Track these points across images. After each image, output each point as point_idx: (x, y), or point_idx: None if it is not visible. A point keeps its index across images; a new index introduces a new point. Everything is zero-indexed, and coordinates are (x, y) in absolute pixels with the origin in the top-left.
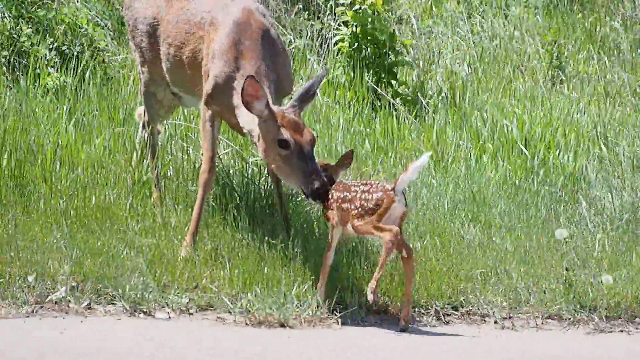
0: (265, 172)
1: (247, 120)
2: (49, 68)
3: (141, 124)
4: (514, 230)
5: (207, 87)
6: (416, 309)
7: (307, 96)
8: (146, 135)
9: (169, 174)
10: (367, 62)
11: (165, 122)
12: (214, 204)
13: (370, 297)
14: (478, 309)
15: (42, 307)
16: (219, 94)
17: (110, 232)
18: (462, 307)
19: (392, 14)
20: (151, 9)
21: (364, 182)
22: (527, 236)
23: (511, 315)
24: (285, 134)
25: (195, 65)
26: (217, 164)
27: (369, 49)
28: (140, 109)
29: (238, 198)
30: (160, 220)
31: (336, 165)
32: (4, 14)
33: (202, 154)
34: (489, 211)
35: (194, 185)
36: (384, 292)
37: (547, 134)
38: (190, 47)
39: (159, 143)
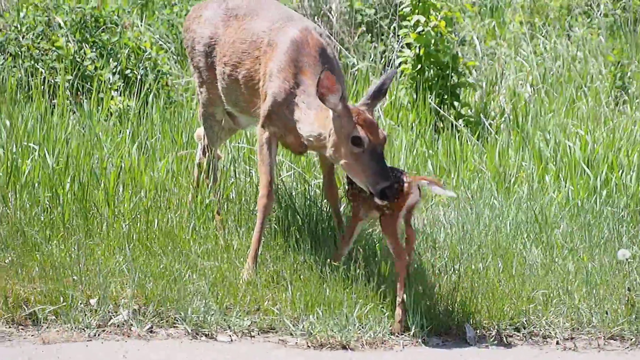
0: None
1: (313, 122)
2: (112, 92)
3: (200, 146)
4: (577, 251)
5: (264, 107)
6: (478, 330)
7: (379, 94)
8: (206, 160)
9: (231, 197)
10: (430, 83)
11: (225, 145)
12: (276, 226)
13: (396, 327)
14: (540, 330)
15: (104, 330)
16: (278, 112)
17: (173, 255)
18: (525, 328)
19: (455, 35)
20: (209, 28)
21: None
22: (589, 257)
23: (573, 336)
24: (361, 132)
25: (251, 85)
26: (279, 186)
27: (431, 70)
28: (200, 131)
29: (300, 220)
30: (223, 242)
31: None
32: (68, 38)
33: (260, 180)
34: (551, 232)
35: (256, 207)
36: (446, 313)
37: (610, 154)
38: (246, 66)
39: (220, 167)
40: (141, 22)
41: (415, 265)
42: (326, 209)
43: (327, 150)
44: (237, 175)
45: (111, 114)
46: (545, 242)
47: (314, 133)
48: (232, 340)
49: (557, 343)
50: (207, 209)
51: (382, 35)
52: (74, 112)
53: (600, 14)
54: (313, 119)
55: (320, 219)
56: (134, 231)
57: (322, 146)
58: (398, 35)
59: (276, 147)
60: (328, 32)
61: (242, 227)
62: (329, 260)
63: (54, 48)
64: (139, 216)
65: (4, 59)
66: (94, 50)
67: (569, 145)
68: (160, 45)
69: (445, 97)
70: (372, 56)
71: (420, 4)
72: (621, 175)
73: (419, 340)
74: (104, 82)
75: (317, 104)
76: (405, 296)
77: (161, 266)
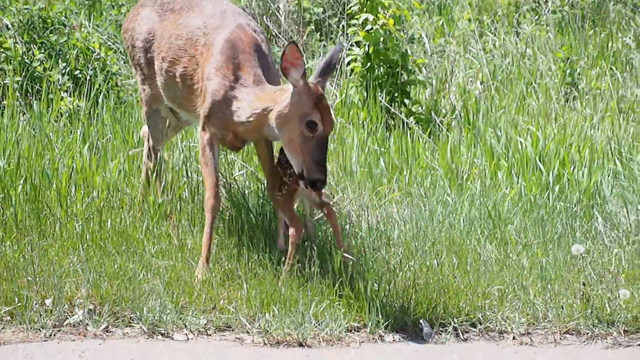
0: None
1: (254, 101)
2: (62, 92)
3: (146, 144)
4: (531, 247)
5: (204, 107)
6: (434, 326)
7: (329, 69)
8: (152, 162)
9: (184, 196)
10: (380, 81)
11: (177, 144)
12: (230, 225)
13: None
14: (496, 326)
15: (60, 330)
16: (218, 111)
17: (127, 255)
18: (480, 324)
19: (403, 33)
20: (146, 24)
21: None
22: (543, 252)
23: (529, 331)
24: (317, 117)
25: (190, 84)
26: (232, 185)
27: (381, 68)
28: (145, 129)
29: (254, 219)
30: (177, 242)
31: None
32: (16, 40)
33: (203, 181)
34: (505, 228)
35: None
36: (402, 310)
37: (561, 150)
38: (183, 64)
39: (167, 168)
40: (89, 22)
41: (370, 262)
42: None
43: (270, 124)
44: (190, 175)
45: (61, 115)
46: (499, 237)
47: (257, 110)
48: (188, 339)
49: (514, 338)
50: (159, 209)
51: (331, 33)
52: (24, 114)
53: (548, 11)
54: (254, 98)
55: (274, 218)
56: (87, 231)
57: (264, 122)
58: (347, 34)
59: (218, 147)
60: (276, 31)
61: (196, 227)
62: (283, 258)
63: (2, 49)
64: (92, 216)
65: None
66: (43, 51)
67: (520, 142)
68: (109, 45)
69: (396, 94)
70: (321, 55)
71: (368, 2)
72: (573, 170)
73: (376, 337)
74: (54, 83)
75: (259, 88)
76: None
77: (115, 266)
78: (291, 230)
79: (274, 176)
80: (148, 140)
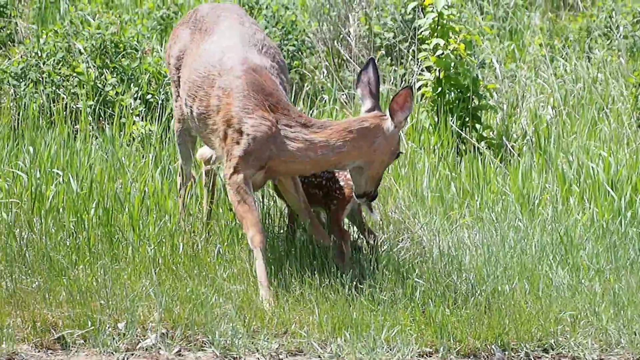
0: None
1: (328, 141)
2: (134, 117)
3: (204, 166)
4: (603, 272)
5: (239, 149)
6: (506, 352)
7: (377, 92)
8: (180, 181)
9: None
10: (451, 106)
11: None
12: (302, 250)
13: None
14: (569, 352)
15: (133, 354)
16: (263, 149)
17: (199, 279)
18: (553, 350)
19: (474, 58)
20: (180, 42)
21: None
22: (616, 278)
23: (602, 357)
24: (402, 149)
25: (207, 123)
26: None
27: (452, 93)
28: (202, 150)
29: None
30: (248, 266)
31: None
32: (88, 64)
33: (242, 221)
34: (576, 253)
35: (282, 230)
36: (474, 335)
37: (633, 175)
38: (199, 101)
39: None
40: (161, 47)
41: (442, 288)
42: (352, 230)
43: (356, 154)
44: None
45: (133, 139)
46: (571, 263)
47: (341, 148)
48: None
49: None
50: (232, 233)
51: (402, 58)
52: (97, 138)
53: (620, 36)
54: (327, 138)
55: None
56: (159, 255)
57: (349, 157)
58: (417, 59)
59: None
60: (347, 55)
61: (269, 252)
62: (355, 282)
63: (75, 74)
64: (164, 240)
65: (25, 85)
66: (115, 75)
67: (592, 167)
68: None
69: (467, 119)
70: (392, 79)
71: (439, 27)
72: None
73: None
74: (126, 107)
75: (318, 126)
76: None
77: (188, 290)
78: (341, 244)
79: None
80: (208, 159)
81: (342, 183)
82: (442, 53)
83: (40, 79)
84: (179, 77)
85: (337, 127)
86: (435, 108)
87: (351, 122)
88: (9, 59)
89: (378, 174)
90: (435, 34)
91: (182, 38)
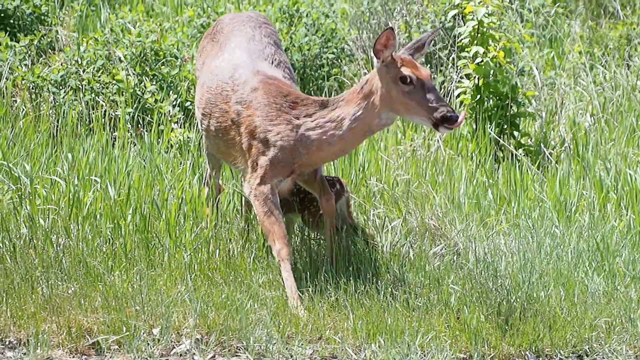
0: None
1: (348, 110)
2: (172, 124)
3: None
4: (639, 279)
5: (266, 159)
6: (540, 358)
7: (419, 47)
8: (207, 190)
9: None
10: (490, 113)
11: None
12: (337, 255)
13: None
14: (603, 358)
15: (167, 359)
16: (289, 154)
17: (234, 285)
18: (587, 356)
19: (514, 66)
20: (202, 55)
21: None
22: None
23: None
24: (406, 71)
25: (225, 138)
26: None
27: (491, 101)
28: None
29: (361, 248)
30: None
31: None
32: (128, 72)
33: (268, 234)
34: (612, 260)
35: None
36: (509, 341)
37: None
38: (216, 118)
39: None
40: None
41: (477, 293)
42: (391, 237)
43: (379, 113)
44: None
45: (171, 146)
46: (607, 270)
47: (358, 113)
48: None
49: None
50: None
51: (441, 66)
52: (135, 145)
53: None
54: (344, 109)
55: (381, 248)
56: (195, 261)
57: (371, 118)
58: (457, 66)
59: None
60: None
61: (305, 255)
62: (390, 288)
63: (114, 81)
64: (200, 247)
65: (65, 92)
66: (154, 83)
67: (630, 174)
68: None
69: (505, 127)
70: None
71: (479, 35)
72: None
73: None
74: (164, 114)
75: (332, 102)
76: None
77: (223, 296)
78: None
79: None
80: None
81: None
82: (482, 60)
83: (80, 86)
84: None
85: (348, 96)
86: (474, 115)
87: (357, 85)
88: (49, 66)
89: (406, 105)
90: (475, 42)
91: (205, 50)
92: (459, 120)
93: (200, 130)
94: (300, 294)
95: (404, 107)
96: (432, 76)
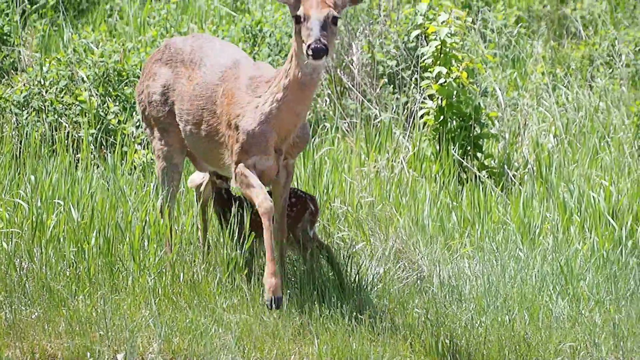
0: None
1: (280, 73)
2: (136, 145)
3: (196, 193)
4: (603, 303)
5: (239, 143)
6: None
7: None
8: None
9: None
10: (453, 135)
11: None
12: (302, 280)
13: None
14: None
15: None
16: (260, 135)
17: (199, 309)
18: None
19: (477, 86)
20: (160, 79)
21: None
22: (616, 309)
23: None
24: (300, 11)
25: (216, 139)
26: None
27: (454, 121)
28: (194, 176)
29: (326, 272)
30: (248, 296)
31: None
32: (91, 92)
33: (250, 195)
34: (577, 284)
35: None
36: None
37: (634, 205)
38: (206, 122)
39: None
40: None
41: (442, 318)
42: (355, 261)
43: (297, 61)
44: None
45: (135, 168)
46: (571, 293)
47: (287, 67)
48: None
49: None
50: (231, 263)
51: (404, 86)
52: (98, 166)
53: (622, 65)
54: (277, 74)
55: (347, 272)
56: (159, 285)
57: (294, 66)
58: (420, 87)
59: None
60: (350, 83)
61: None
62: (354, 313)
63: (77, 102)
64: (164, 270)
65: (27, 113)
66: (117, 104)
67: (593, 196)
68: None
69: (469, 148)
70: (395, 108)
71: (442, 55)
72: None
73: None
74: (128, 135)
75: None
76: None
77: (187, 320)
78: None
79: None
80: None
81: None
82: (445, 81)
83: (43, 107)
84: (165, 112)
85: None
86: (437, 136)
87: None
88: (12, 87)
89: (298, 41)
90: (438, 62)
91: (161, 74)
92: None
93: (165, 153)
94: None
95: (298, 46)
96: (331, 13)
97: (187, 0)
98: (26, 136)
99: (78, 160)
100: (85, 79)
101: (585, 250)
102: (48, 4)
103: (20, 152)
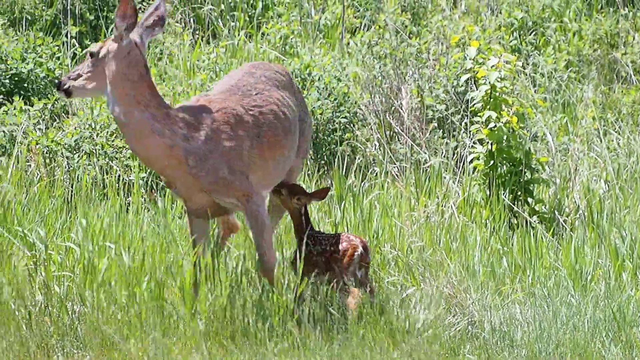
0: None
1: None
2: None
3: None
4: None
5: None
6: None
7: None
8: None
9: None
10: (503, 180)
11: None
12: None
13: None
14: None
15: None
16: None
17: (250, 353)
18: None
19: (527, 131)
20: None
21: (333, 234)
22: None
23: None
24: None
25: None
26: None
27: (504, 166)
28: None
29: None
30: (299, 339)
31: (310, 195)
32: None
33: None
34: (630, 330)
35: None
36: None
37: None
38: None
39: None
40: None
41: None
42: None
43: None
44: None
45: (185, 212)
46: (624, 340)
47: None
48: None
49: None
50: (281, 306)
51: (454, 130)
52: (149, 210)
53: None
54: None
55: (396, 316)
56: (210, 329)
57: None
58: (470, 131)
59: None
60: (399, 128)
61: (319, 324)
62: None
63: (127, 146)
64: (215, 314)
65: (78, 157)
66: None
67: None
68: None
69: (519, 193)
70: (444, 152)
71: (492, 99)
72: None
73: None
74: None
75: None
76: None
77: None
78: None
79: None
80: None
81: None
82: (495, 126)
83: (94, 150)
84: None
85: None
86: (487, 181)
87: None
88: (63, 130)
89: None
90: (488, 107)
91: None
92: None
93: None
94: None
95: None
96: (92, 50)
97: (237, 44)
98: (77, 180)
99: (129, 203)
100: None
101: (638, 297)
102: None
103: (71, 195)
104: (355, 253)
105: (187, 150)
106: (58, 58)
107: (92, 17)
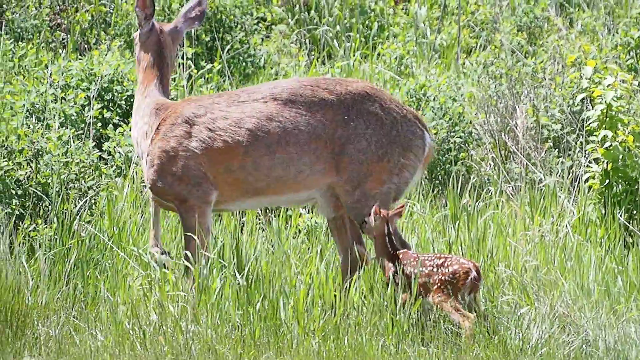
0: None
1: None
2: (300, 209)
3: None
4: None
5: None
6: None
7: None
8: None
9: None
10: (619, 199)
11: None
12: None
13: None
14: None
15: None
16: None
17: None
18: None
19: None
20: None
21: (439, 255)
22: None
23: None
24: None
25: None
26: None
27: (620, 185)
28: None
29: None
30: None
31: (393, 214)
32: None
33: None
34: None
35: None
36: None
37: None
38: None
39: None
40: None
41: None
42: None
43: None
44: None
45: (299, 232)
46: None
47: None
48: None
49: None
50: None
51: (569, 150)
52: (263, 230)
53: None
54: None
55: (510, 336)
56: (324, 349)
57: None
58: (585, 151)
59: None
60: (514, 147)
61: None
62: None
63: None
64: (329, 334)
65: None
66: None
67: None
68: None
69: (635, 212)
70: (559, 171)
71: (608, 119)
72: None
73: None
74: None
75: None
76: None
77: None
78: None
79: None
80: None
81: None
82: (610, 145)
83: None
84: None
85: None
86: (603, 200)
87: None
88: None
89: None
90: (604, 126)
91: None
92: None
93: None
94: None
95: None
96: None
97: (352, 65)
98: None
99: (243, 223)
100: None
101: None
102: (214, 69)
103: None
104: (469, 277)
105: (144, 147)
106: (174, 79)
107: (207, 39)
